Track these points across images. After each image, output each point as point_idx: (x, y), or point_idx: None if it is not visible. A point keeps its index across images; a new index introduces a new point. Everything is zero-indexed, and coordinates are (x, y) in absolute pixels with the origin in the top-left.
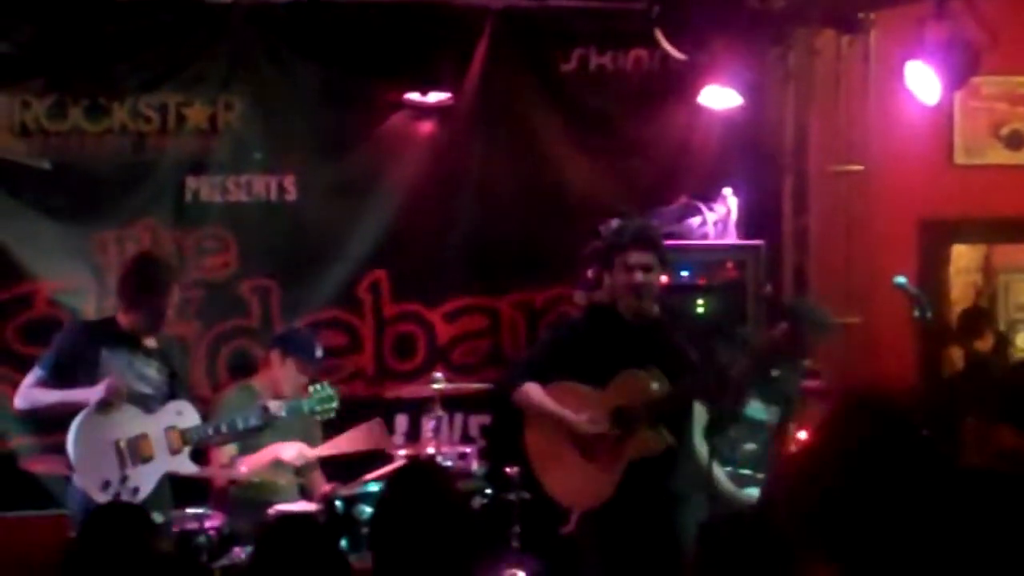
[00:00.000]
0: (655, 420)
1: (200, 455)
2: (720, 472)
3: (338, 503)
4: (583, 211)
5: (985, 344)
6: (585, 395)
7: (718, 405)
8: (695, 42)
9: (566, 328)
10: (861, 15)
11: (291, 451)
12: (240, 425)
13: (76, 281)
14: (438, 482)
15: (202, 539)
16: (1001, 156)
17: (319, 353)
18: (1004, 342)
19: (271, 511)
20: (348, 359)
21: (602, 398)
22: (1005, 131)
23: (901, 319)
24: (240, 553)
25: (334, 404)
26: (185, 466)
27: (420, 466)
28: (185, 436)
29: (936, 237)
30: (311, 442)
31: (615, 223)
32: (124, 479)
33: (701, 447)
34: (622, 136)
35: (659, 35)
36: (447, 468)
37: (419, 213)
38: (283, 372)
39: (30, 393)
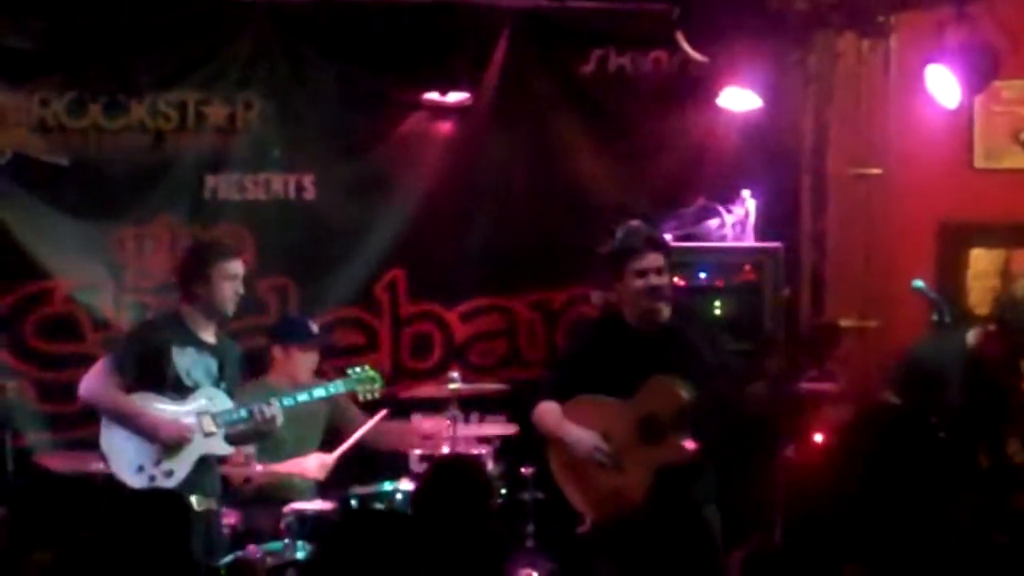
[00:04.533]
0: (685, 427)
1: None
2: None
3: (353, 502)
4: (600, 211)
5: None
6: (610, 407)
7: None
8: (715, 44)
9: (580, 343)
10: (881, 18)
11: (313, 465)
12: (268, 411)
13: (93, 278)
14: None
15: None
16: (1021, 160)
17: (314, 330)
18: None
19: (287, 509)
20: (365, 358)
21: (629, 408)
22: None
23: (919, 323)
24: (255, 551)
25: (377, 384)
26: (220, 447)
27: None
28: (217, 419)
29: (955, 241)
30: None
31: (631, 224)
32: (158, 462)
33: None
34: (640, 137)
35: (679, 37)
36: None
37: (437, 213)
38: (291, 363)
39: (100, 387)
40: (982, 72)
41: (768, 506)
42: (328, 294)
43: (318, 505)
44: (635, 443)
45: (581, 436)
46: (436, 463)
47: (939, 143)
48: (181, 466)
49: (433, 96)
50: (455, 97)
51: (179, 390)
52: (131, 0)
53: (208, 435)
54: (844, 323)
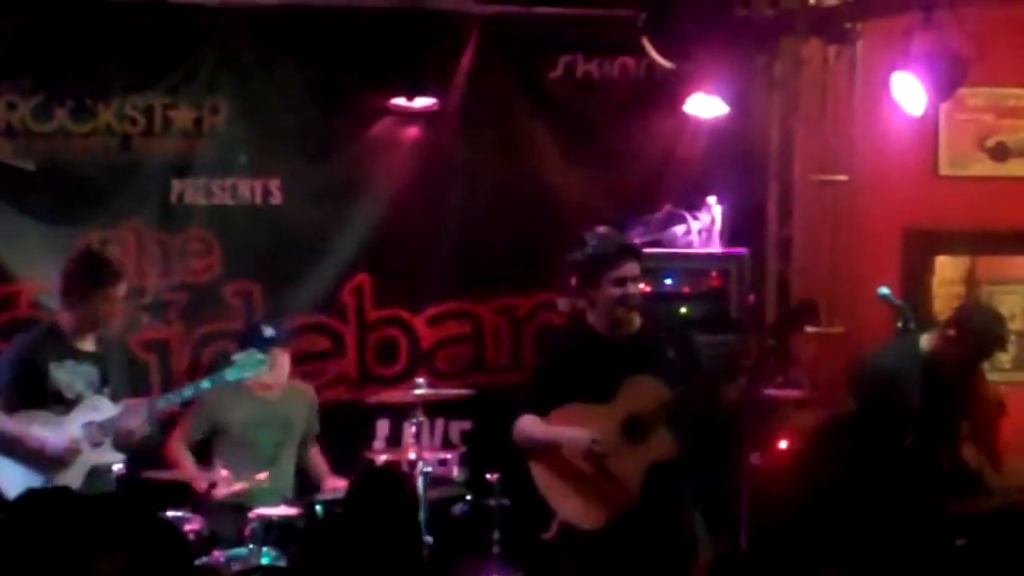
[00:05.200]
0: (668, 423)
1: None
2: None
3: (318, 507)
4: (567, 218)
5: None
6: (591, 413)
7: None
8: (682, 50)
9: (551, 355)
10: (848, 25)
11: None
12: (160, 404)
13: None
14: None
15: None
16: (986, 168)
17: (268, 333)
18: None
19: (252, 515)
20: (331, 363)
21: (609, 411)
22: (990, 143)
23: (884, 329)
24: (219, 557)
25: (263, 368)
26: (108, 456)
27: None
28: (103, 427)
29: (920, 248)
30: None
31: (600, 230)
32: (49, 481)
33: None
34: (607, 144)
35: (646, 43)
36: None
37: (403, 218)
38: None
39: None
40: (948, 79)
41: (734, 510)
42: (294, 299)
43: (283, 511)
44: (621, 445)
45: (575, 434)
46: (357, 475)
47: (905, 150)
48: (72, 481)
49: (400, 101)
50: (422, 102)
51: (62, 404)
52: (99, 4)
53: (96, 445)
54: (809, 329)
